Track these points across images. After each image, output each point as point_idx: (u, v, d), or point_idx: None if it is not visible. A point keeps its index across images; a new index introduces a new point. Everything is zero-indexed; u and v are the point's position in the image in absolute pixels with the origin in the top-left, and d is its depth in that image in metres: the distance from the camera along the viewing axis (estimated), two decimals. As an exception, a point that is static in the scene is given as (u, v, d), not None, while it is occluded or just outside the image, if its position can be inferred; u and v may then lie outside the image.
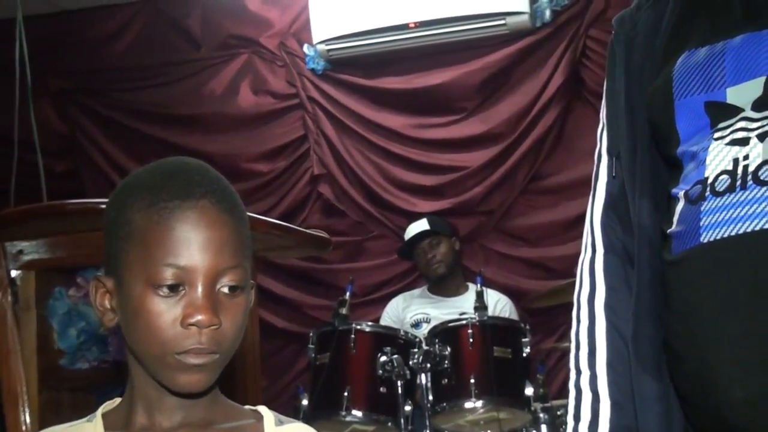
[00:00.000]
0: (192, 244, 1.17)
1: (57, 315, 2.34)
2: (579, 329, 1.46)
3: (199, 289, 1.17)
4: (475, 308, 3.73)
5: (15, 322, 2.32)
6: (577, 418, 1.42)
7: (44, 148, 5.72)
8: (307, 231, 2.62)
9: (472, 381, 3.58)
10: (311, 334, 3.78)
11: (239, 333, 1.22)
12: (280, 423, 1.30)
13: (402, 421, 3.54)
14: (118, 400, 1.30)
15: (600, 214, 1.49)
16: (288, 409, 4.34)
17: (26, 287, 2.36)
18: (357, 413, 3.57)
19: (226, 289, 1.20)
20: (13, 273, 2.34)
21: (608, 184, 1.49)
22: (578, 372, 1.44)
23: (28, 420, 2.28)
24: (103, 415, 1.27)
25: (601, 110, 1.51)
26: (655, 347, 1.34)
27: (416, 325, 4.64)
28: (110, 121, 5.89)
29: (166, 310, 1.17)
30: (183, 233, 1.17)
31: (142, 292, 1.18)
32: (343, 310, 3.72)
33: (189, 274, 1.17)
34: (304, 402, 3.62)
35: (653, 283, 1.35)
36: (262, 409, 1.32)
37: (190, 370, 1.18)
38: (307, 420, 3.58)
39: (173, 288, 1.17)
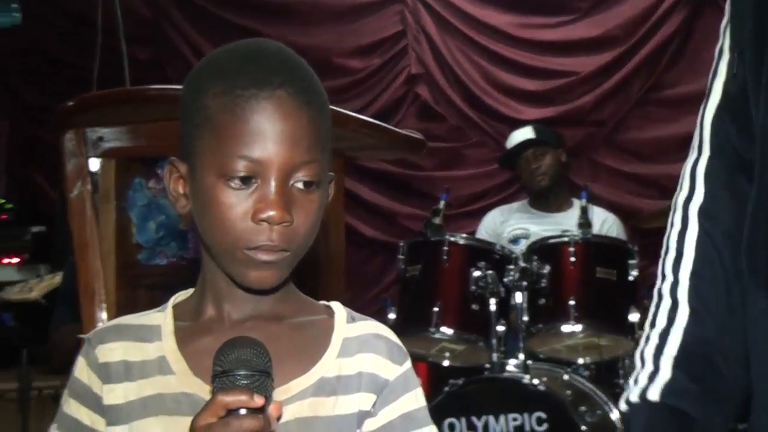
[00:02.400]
0: (266, 137, 1.18)
1: (136, 207, 2.36)
2: (671, 234, 1.44)
3: (272, 183, 1.19)
4: (579, 225, 3.68)
5: (94, 214, 2.36)
6: (653, 324, 1.41)
7: (128, 35, 5.79)
8: (400, 131, 2.59)
9: (572, 303, 3.55)
10: (401, 244, 3.78)
11: (312, 231, 1.24)
12: (352, 320, 1.32)
13: (494, 341, 3.53)
14: (190, 291, 1.33)
15: (712, 114, 1.43)
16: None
17: (106, 177, 2.38)
18: (447, 331, 3.57)
19: (300, 185, 1.21)
20: (93, 161, 2.37)
21: (726, 82, 1.43)
22: (663, 278, 1.42)
23: (104, 317, 2.33)
24: (174, 306, 1.31)
25: (726, 2, 1.45)
26: None
27: (514, 240, 4.61)
28: (196, 8, 5.91)
29: (236, 203, 1.19)
30: (257, 124, 1.18)
31: (213, 183, 1.20)
32: (437, 220, 3.70)
33: (262, 167, 1.18)
34: (392, 316, 3.63)
35: None
36: (335, 305, 1.34)
37: (259, 267, 1.21)
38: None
39: (245, 180, 1.19)
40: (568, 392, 3.57)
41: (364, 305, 5.34)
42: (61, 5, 6.12)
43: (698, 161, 1.44)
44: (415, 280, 3.63)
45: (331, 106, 2.38)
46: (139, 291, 2.43)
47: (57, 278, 4.18)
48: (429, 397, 3.68)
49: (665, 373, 1.36)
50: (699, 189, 1.42)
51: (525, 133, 4.78)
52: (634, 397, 1.38)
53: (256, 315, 1.28)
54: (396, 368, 1.30)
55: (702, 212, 1.41)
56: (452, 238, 3.67)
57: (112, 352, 1.27)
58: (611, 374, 3.91)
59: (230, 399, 1.08)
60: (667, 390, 1.35)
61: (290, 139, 1.19)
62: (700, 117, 1.45)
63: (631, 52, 5.27)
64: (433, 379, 3.95)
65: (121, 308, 2.32)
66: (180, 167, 1.26)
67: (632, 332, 3.60)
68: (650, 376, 1.37)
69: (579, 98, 5.33)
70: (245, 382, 1.09)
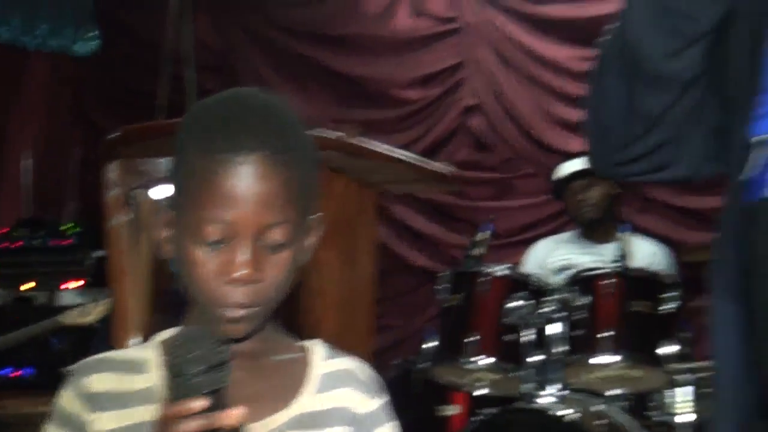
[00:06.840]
0: (238, 199, 1.23)
1: (171, 237, 2.45)
2: None
3: (243, 244, 1.24)
4: (614, 259, 3.69)
5: (129, 243, 2.46)
6: None
7: (198, 64, 5.91)
8: (428, 165, 2.63)
9: (607, 335, 3.54)
10: (440, 274, 3.81)
11: (282, 287, 1.30)
12: (330, 357, 1.39)
13: (527, 372, 3.56)
14: (177, 329, 1.38)
15: None
16: (416, 350, 4.40)
17: (143, 206, 2.49)
18: (482, 360, 3.58)
19: (270, 244, 1.26)
20: (132, 191, 2.47)
21: None
22: None
23: (134, 341, 2.42)
24: (162, 342, 1.38)
25: None
26: None
27: (559, 271, 4.60)
28: (263, 39, 6.02)
29: (209, 262, 1.25)
30: (231, 188, 1.23)
31: (188, 241, 1.26)
32: (476, 251, 3.73)
33: (233, 229, 1.24)
34: (428, 345, 3.66)
35: None
36: (315, 343, 1.41)
37: (231, 322, 1.27)
38: (431, 364, 3.63)
39: (217, 241, 1.25)
40: (602, 422, 3.56)
41: (412, 333, 5.35)
42: (135, 34, 6.27)
43: None
44: (454, 311, 3.67)
45: (363, 138, 2.38)
46: (173, 319, 2.51)
47: (113, 302, 4.27)
48: (464, 425, 3.73)
49: None
50: None
51: (574, 165, 4.75)
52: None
53: (236, 353, 1.30)
54: (371, 402, 1.36)
55: None
56: (489, 270, 3.68)
57: (99, 382, 1.32)
58: (645, 406, 3.86)
59: (172, 412, 1.12)
60: None
61: (261, 202, 1.24)
62: None
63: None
64: (470, 408, 3.96)
65: (153, 334, 2.41)
66: (166, 214, 1.32)
67: (663, 365, 3.57)
68: None
69: (633, 131, 5.28)
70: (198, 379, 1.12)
